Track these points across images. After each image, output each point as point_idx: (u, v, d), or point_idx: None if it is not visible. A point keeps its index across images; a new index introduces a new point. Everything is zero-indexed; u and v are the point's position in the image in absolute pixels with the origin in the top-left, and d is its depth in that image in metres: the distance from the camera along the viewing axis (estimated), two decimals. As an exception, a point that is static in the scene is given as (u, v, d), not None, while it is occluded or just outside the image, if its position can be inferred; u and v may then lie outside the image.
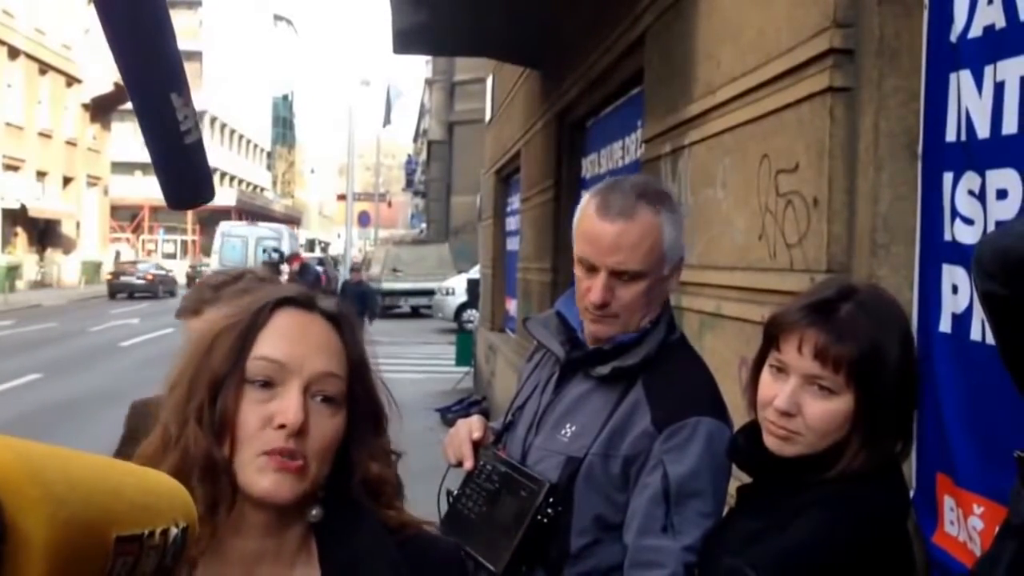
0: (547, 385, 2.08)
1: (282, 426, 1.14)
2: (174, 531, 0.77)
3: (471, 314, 19.16)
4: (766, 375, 1.66)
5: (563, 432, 1.96)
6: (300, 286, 1.29)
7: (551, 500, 1.87)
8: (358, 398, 1.23)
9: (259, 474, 1.15)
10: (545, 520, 1.87)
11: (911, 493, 2.38)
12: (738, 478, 1.82)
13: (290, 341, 1.18)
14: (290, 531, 1.21)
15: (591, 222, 1.93)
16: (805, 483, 1.59)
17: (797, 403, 1.59)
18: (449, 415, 11.39)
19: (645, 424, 1.86)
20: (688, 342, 2.10)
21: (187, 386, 1.18)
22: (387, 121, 43.77)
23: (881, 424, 1.58)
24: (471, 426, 2.10)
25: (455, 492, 2.06)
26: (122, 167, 48.63)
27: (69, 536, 0.65)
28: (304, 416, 1.15)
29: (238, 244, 27.59)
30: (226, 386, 1.16)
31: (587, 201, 1.98)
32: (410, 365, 16.30)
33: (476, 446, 2.07)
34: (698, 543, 1.76)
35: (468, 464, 2.04)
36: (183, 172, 2.80)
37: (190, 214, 48.91)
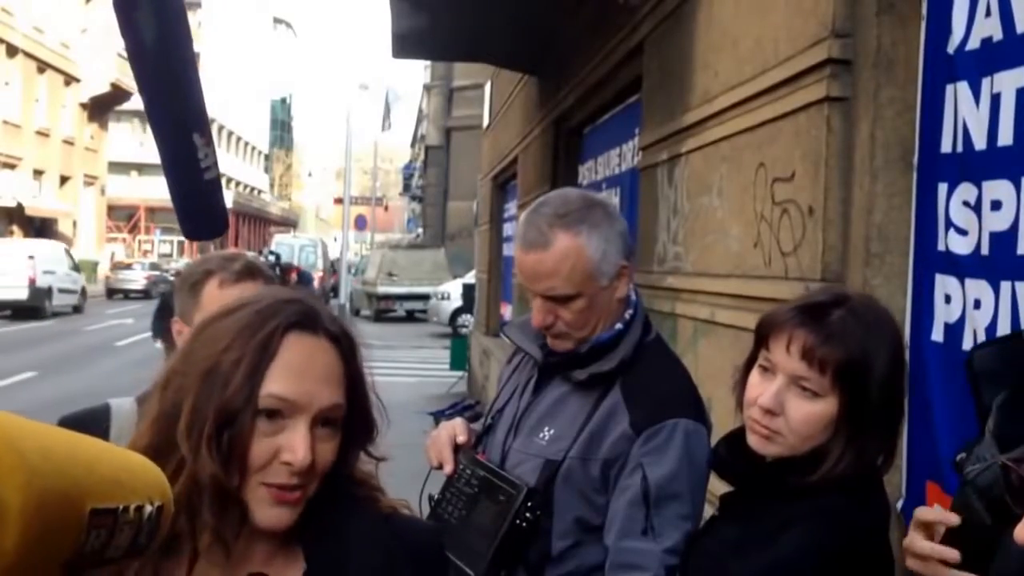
0: (526, 388, 2.09)
1: (288, 463, 1.15)
2: (148, 508, 0.78)
3: (466, 319, 19.13)
4: (754, 375, 1.67)
5: (541, 435, 1.97)
6: (301, 295, 1.28)
7: (529, 504, 1.88)
8: (353, 411, 1.23)
9: (259, 505, 1.16)
10: (524, 524, 1.88)
11: (900, 502, 2.39)
12: (722, 481, 1.83)
13: (299, 375, 1.17)
14: None
15: (516, 252, 1.98)
16: (788, 490, 1.59)
17: (781, 402, 1.59)
18: (443, 418, 11.35)
19: (623, 427, 1.87)
20: (664, 342, 2.10)
21: (192, 412, 1.15)
22: (386, 126, 43.76)
23: (865, 432, 1.58)
24: (454, 429, 2.11)
25: (436, 497, 2.07)
26: (119, 167, 48.49)
27: (43, 504, 0.67)
28: (312, 453, 1.16)
29: (287, 249, 34.48)
30: (239, 421, 1.14)
31: (517, 227, 2.00)
32: (405, 369, 16.29)
33: (458, 450, 2.08)
34: (679, 545, 1.77)
35: (448, 468, 2.05)
36: (200, 207, 2.93)
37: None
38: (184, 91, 2.82)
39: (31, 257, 24.19)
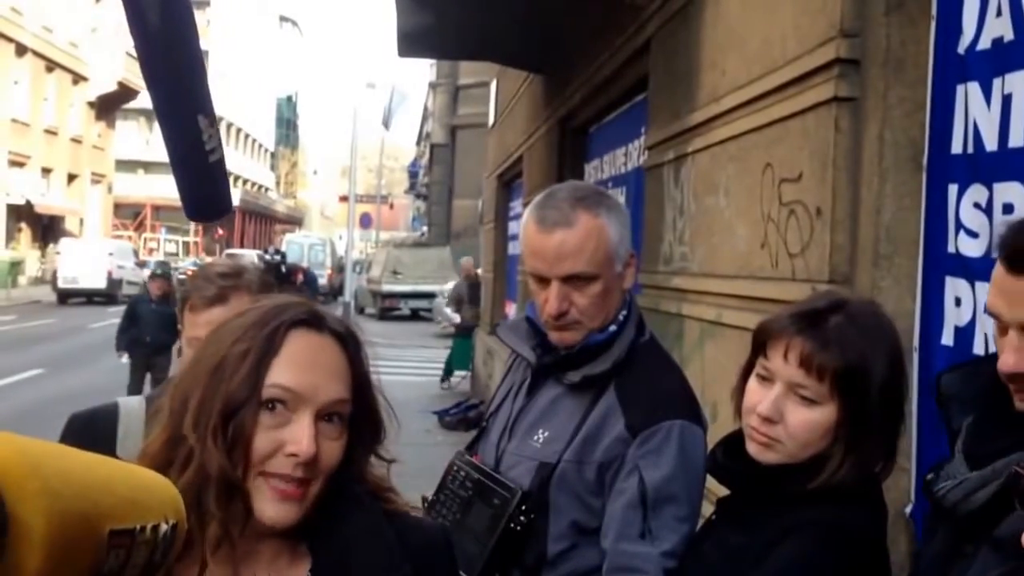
0: (520, 390, 2.08)
1: (293, 455, 1.17)
2: (164, 527, 0.80)
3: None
4: (752, 382, 1.65)
5: (536, 437, 1.96)
6: (306, 300, 1.30)
7: (523, 508, 1.87)
8: (360, 410, 1.25)
9: (263, 500, 1.18)
10: (518, 528, 1.87)
11: (910, 507, 2.37)
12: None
13: (304, 368, 1.20)
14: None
15: (532, 236, 1.94)
16: (788, 496, 1.58)
17: (780, 410, 1.58)
18: (447, 417, 11.38)
19: (619, 429, 1.86)
20: (659, 343, 2.08)
21: (199, 406, 1.18)
22: (386, 125, 43.65)
23: (864, 438, 1.56)
24: None
25: (429, 499, 2.07)
26: (126, 165, 48.64)
27: (65, 527, 0.69)
28: (316, 445, 1.17)
29: (297, 248, 36.52)
30: (243, 412, 1.17)
31: (527, 216, 1.98)
32: (409, 368, 16.29)
33: None
34: (677, 548, 1.76)
35: None
36: (205, 187, 2.99)
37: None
38: (188, 72, 2.86)
39: (111, 254, 30.18)
